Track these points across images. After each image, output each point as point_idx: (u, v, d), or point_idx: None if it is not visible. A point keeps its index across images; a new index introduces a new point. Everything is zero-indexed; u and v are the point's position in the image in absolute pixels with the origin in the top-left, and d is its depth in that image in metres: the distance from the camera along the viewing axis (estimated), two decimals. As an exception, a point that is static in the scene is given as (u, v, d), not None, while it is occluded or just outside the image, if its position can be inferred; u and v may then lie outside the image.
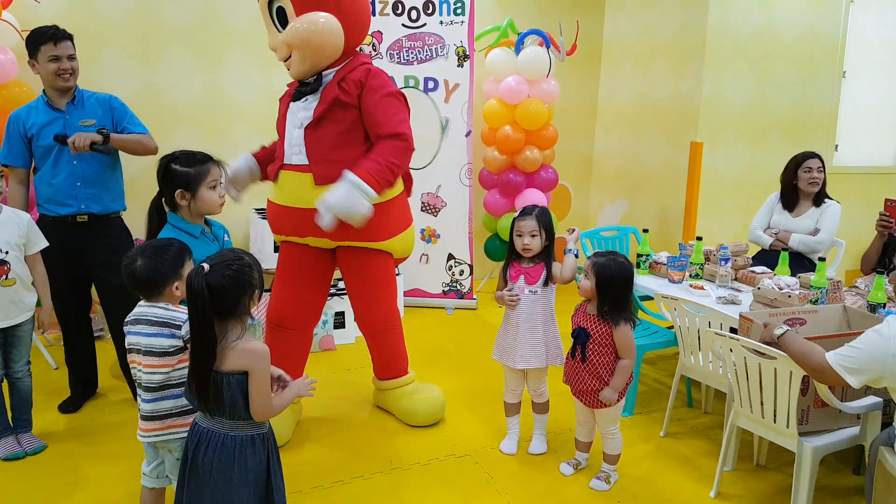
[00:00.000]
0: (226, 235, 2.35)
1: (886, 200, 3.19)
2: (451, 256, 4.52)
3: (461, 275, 4.53)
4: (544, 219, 2.48)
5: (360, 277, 2.72)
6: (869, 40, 4.84)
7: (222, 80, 4.14)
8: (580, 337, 2.34)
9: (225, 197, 2.28)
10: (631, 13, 4.97)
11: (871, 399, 2.22)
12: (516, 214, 2.53)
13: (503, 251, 4.54)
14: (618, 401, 2.34)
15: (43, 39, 2.69)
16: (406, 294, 4.42)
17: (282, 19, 2.50)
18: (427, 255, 4.52)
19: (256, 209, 4.04)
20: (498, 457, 2.65)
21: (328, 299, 3.33)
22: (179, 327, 1.84)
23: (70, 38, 2.76)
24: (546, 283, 2.49)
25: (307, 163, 2.50)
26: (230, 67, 4.16)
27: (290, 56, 2.50)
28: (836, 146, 4.90)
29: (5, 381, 2.55)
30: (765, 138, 4.60)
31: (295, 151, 2.53)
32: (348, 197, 2.31)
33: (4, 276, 2.42)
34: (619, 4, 5.10)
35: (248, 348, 1.64)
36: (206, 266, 1.61)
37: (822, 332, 2.27)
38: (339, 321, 3.87)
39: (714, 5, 4.27)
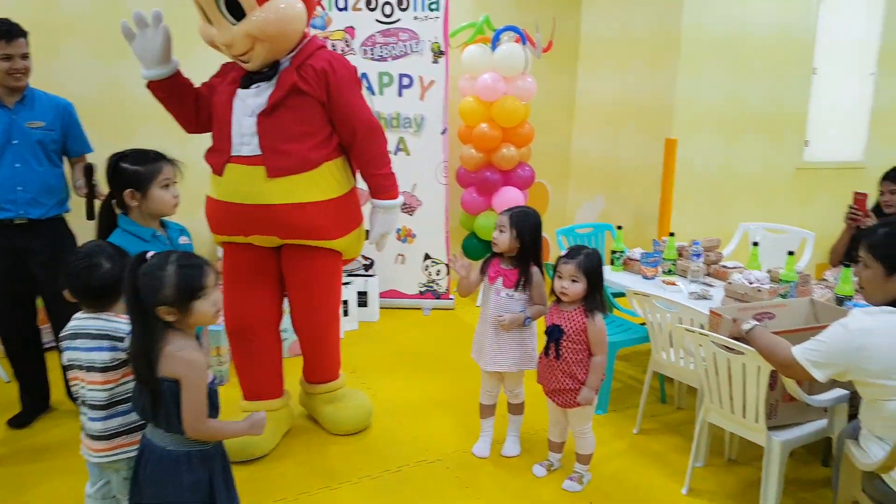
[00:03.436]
0: (183, 237, 2.25)
1: (855, 193, 3.21)
2: (427, 256, 4.49)
3: (438, 275, 4.50)
4: (518, 218, 2.44)
5: (307, 277, 2.55)
6: (838, 38, 4.89)
7: (191, 76, 4.05)
8: (553, 333, 2.32)
9: (179, 197, 2.17)
10: (607, 12, 4.98)
11: (838, 392, 2.23)
12: None
13: (481, 250, 4.52)
14: (591, 399, 2.33)
15: None
16: (382, 295, 4.37)
17: (235, 11, 2.26)
18: (403, 255, 4.49)
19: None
20: (471, 460, 2.62)
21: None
22: (122, 339, 1.73)
23: (24, 34, 2.65)
24: (522, 288, 2.46)
25: (259, 153, 2.33)
26: (199, 63, 4.06)
27: (250, 49, 2.30)
28: (807, 142, 4.95)
29: None
30: (739, 135, 4.63)
31: (245, 142, 2.35)
32: (387, 222, 2.65)
33: None
34: (595, 2, 5.10)
35: (178, 355, 1.54)
36: (149, 254, 1.57)
37: (790, 327, 2.27)
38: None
39: (688, 5, 4.28)
